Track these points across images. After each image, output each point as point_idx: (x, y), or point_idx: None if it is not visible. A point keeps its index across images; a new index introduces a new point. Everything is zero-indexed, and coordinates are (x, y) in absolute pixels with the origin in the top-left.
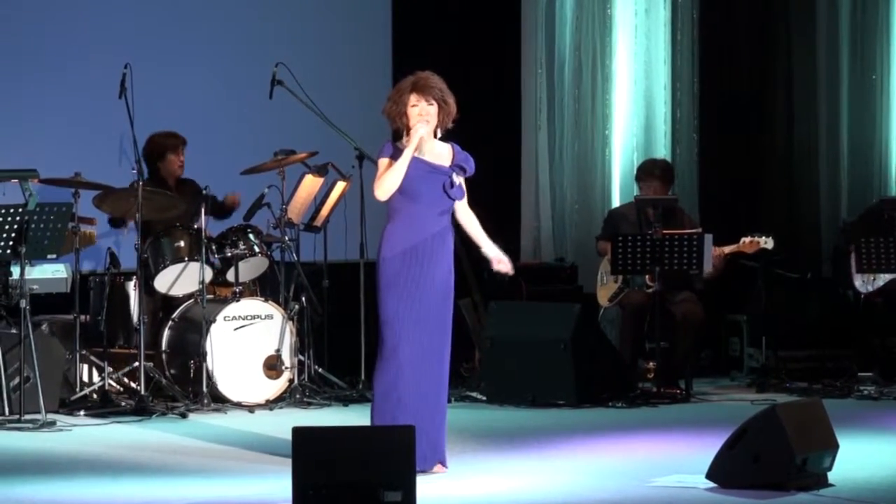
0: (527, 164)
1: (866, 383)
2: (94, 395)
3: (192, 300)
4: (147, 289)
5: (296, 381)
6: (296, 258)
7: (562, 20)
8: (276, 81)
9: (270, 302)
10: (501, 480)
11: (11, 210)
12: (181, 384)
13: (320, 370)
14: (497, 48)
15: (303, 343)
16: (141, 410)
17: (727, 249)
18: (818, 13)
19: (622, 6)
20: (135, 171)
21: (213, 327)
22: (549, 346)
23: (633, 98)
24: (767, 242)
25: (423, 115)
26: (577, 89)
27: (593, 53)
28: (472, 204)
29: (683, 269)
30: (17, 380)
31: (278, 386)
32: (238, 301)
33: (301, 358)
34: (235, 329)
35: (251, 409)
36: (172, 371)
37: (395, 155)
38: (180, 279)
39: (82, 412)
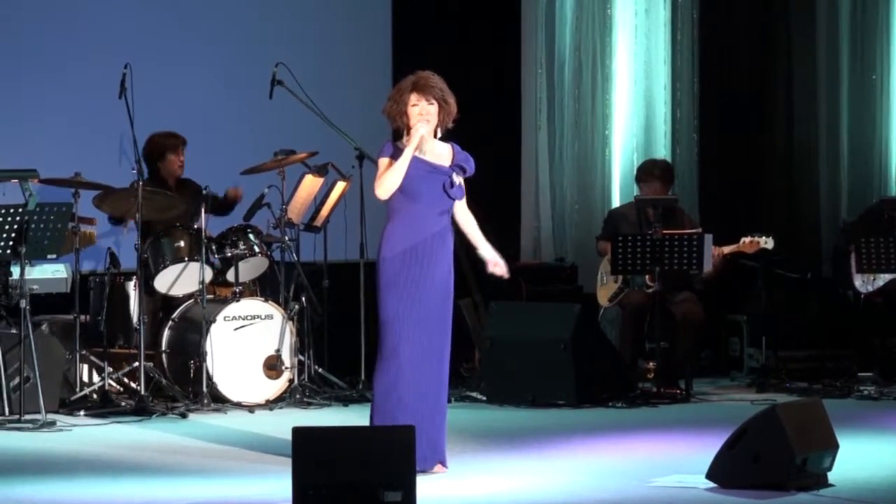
0: (527, 164)
1: (866, 383)
2: (94, 396)
3: (192, 300)
4: (147, 289)
5: (296, 381)
6: (296, 258)
7: (562, 20)
8: (276, 81)
9: (270, 302)
10: (501, 480)
11: (11, 210)
12: (181, 384)
13: (320, 370)
14: (497, 48)
15: (303, 343)
16: (141, 410)
17: (727, 249)
18: (818, 13)
19: (622, 6)
20: (135, 171)
21: (213, 327)
22: (549, 346)
23: (633, 98)
24: (767, 242)
25: (424, 115)
26: (577, 89)
27: (593, 53)
28: (472, 204)
29: (683, 269)
30: (17, 380)
31: (278, 386)
32: (238, 301)
33: (301, 358)
34: (235, 329)
35: (251, 409)
36: (172, 371)
37: (396, 154)
38: (180, 279)
39: (82, 412)
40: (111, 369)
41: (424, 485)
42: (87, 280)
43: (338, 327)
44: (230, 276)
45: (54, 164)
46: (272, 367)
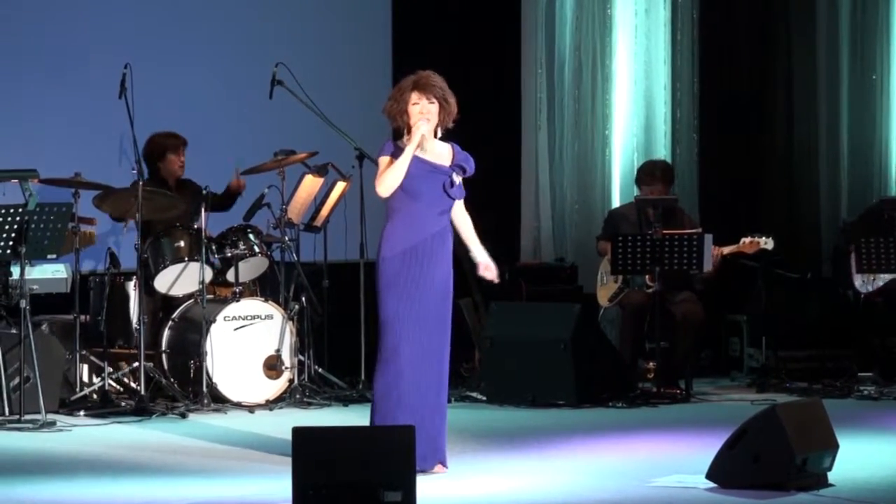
0: (527, 164)
1: (866, 383)
2: (94, 396)
3: (192, 300)
4: (147, 289)
5: (296, 382)
6: (296, 258)
7: (562, 20)
8: (276, 81)
9: (270, 302)
10: (501, 480)
11: (11, 210)
12: (181, 384)
13: (320, 370)
14: (497, 48)
15: (303, 343)
16: (141, 410)
17: (726, 250)
18: (818, 13)
19: (622, 6)
20: (135, 172)
21: (213, 327)
22: (549, 346)
23: (633, 98)
24: (767, 243)
25: (424, 114)
26: (577, 89)
27: (593, 53)
28: (472, 204)
29: (683, 269)
30: (17, 380)
31: (278, 386)
32: (238, 301)
33: (301, 358)
34: (235, 329)
35: (251, 409)
36: (172, 371)
37: (396, 153)
38: (180, 279)
39: (82, 412)
40: (111, 369)
41: (424, 485)
42: (87, 280)
43: (338, 327)
44: (230, 276)
45: (54, 164)
46: (272, 367)
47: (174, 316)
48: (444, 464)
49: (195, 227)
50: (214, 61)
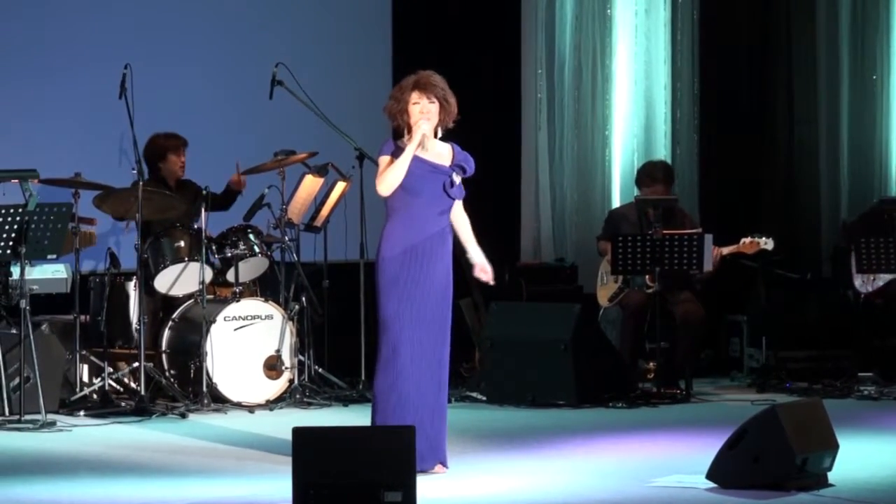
0: (527, 164)
1: (866, 383)
2: (94, 396)
3: (192, 300)
4: (147, 289)
5: (296, 382)
6: (296, 258)
7: (562, 20)
8: (276, 81)
9: (270, 302)
10: (501, 480)
11: (11, 210)
12: (181, 384)
13: (320, 370)
14: (497, 48)
15: (303, 343)
16: (141, 411)
17: (726, 250)
18: (818, 13)
19: (622, 6)
20: (135, 172)
21: (213, 327)
22: (549, 347)
23: (633, 98)
24: (767, 243)
25: (425, 113)
26: (577, 89)
27: (593, 53)
28: (472, 204)
29: (683, 270)
30: (17, 380)
31: (278, 386)
32: (238, 301)
33: (301, 358)
34: (235, 329)
35: (251, 409)
36: (172, 371)
37: (397, 152)
38: (180, 279)
39: (82, 412)
40: (111, 369)
41: (424, 485)
42: (87, 280)
43: (338, 327)
44: (230, 276)
45: (54, 164)
46: (272, 367)
47: (174, 316)
48: (444, 464)
49: (195, 227)
50: (215, 62)
